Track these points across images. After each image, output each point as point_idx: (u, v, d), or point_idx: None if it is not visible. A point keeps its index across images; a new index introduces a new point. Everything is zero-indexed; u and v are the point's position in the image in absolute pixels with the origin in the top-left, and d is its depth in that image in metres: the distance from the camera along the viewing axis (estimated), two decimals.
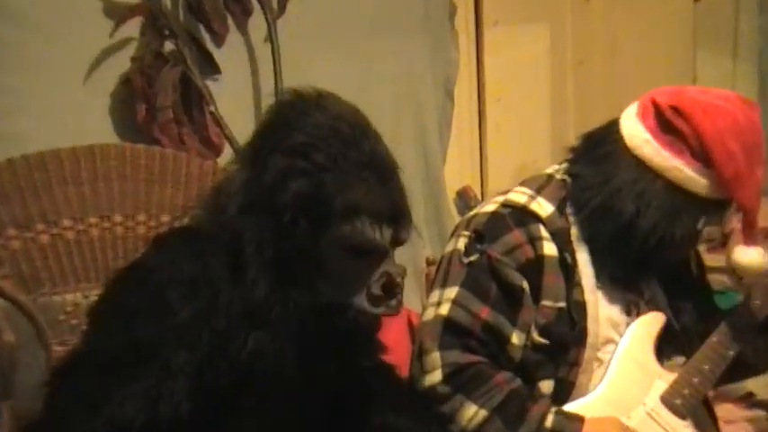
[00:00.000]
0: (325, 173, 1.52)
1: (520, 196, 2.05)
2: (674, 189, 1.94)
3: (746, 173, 1.92)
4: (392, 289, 1.57)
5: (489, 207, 2.07)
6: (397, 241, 1.62)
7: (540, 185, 2.08)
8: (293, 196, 1.51)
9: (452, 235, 2.10)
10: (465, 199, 3.82)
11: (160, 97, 2.73)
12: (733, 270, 2.13)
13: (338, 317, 1.56)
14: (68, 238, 2.08)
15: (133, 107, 2.74)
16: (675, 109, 1.96)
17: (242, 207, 1.54)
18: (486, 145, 4.22)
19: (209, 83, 2.85)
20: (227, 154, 2.69)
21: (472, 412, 1.92)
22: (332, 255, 1.54)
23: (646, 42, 4.80)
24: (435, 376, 1.94)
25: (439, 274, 2.06)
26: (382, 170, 1.61)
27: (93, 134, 2.42)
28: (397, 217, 1.60)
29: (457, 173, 4.04)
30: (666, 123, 1.96)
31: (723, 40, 4.67)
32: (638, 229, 1.94)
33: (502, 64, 4.30)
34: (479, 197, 3.84)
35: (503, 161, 4.23)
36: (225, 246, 1.53)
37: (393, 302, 1.59)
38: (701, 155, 1.92)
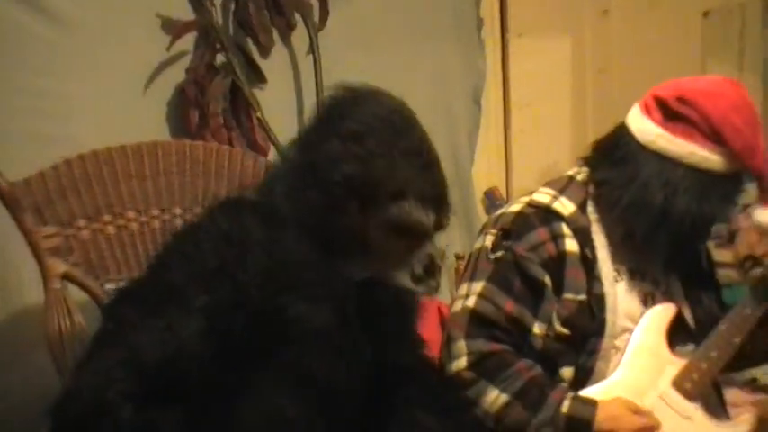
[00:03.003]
0: (376, 158, 1.52)
1: (544, 197, 2.05)
2: (696, 171, 1.94)
3: (753, 142, 1.94)
4: (433, 270, 1.58)
5: (515, 207, 2.07)
6: (440, 226, 1.61)
7: (562, 187, 2.08)
8: (345, 177, 1.51)
9: (480, 233, 2.10)
10: (492, 199, 3.82)
11: (212, 105, 2.75)
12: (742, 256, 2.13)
13: (381, 291, 1.56)
14: (132, 229, 2.08)
15: (187, 114, 2.76)
16: (680, 99, 1.97)
17: (292, 183, 1.56)
18: (511, 148, 4.21)
19: (256, 91, 2.86)
20: (272, 157, 2.71)
21: (494, 396, 1.92)
22: (379, 234, 1.54)
23: (659, 52, 4.78)
24: (461, 363, 1.95)
25: (467, 270, 2.06)
26: (428, 159, 1.60)
27: (150, 140, 2.44)
28: (440, 202, 1.59)
29: (484, 174, 4.03)
30: (674, 114, 1.97)
31: (730, 52, 4.63)
32: (673, 215, 1.94)
33: (526, 73, 4.29)
34: (505, 197, 3.84)
35: (527, 163, 4.22)
36: (267, 212, 1.54)
37: (434, 283, 1.59)
38: (712, 135, 1.93)
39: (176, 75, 2.80)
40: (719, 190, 1.96)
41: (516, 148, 4.22)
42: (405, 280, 1.57)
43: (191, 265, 1.51)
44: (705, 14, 4.61)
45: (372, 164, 1.51)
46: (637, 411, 1.92)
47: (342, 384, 1.52)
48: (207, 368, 1.44)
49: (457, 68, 3.85)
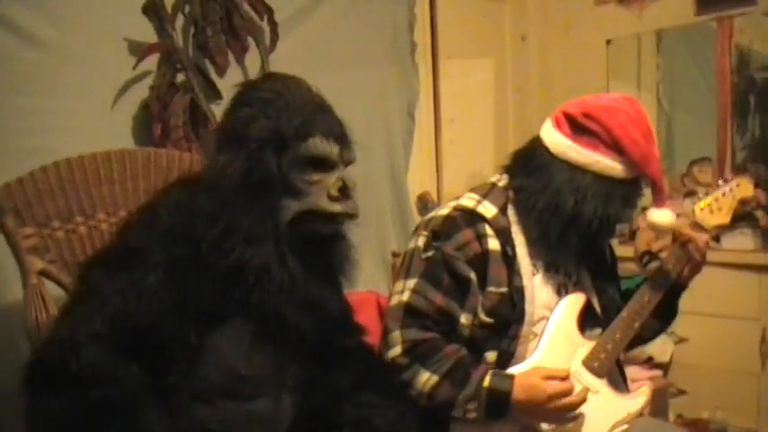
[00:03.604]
0: (280, 112, 1.57)
1: (469, 201, 2.05)
2: (601, 178, 1.95)
3: (648, 152, 1.95)
4: (347, 191, 1.59)
5: (444, 211, 2.06)
6: (345, 158, 1.63)
7: (486, 192, 2.07)
8: (258, 133, 1.55)
9: (414, 234, 2.09)
10: (424, 202, 3.84)
11: (173, 119, 2.73)
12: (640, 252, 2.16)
13: (309, 222, 1.57)
14: (102, 229, 2.06)
15: (151, 127, 2.74)
16: (585, 114, 1.97)
17: (219, 151, 1.59)
18: (441, 158, 4.23)
19: (213, 107, 2.84)
20: None
21: (426, 378, 1.91)
22: (296, 171, 1.56)
23: (570, 74, 4.84)
24: (397, 350, 1.93)
25: (402, 268, 2.05)
26: (325, 106, 1.65)
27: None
28: (342, 138, 1.63)
29: (417, 180, 4.04)
30: (581, 127, 1.97)
31: (629, 75, 4.70)
32: (582, 217, 1.94)
33: (454, 91, 4.31)
34: (436, 201, 3.86)
35: (455, 171, 4.24)
36: (207, 181, 1.59)
37: (350, 203, 1.60)
38: (614, 146, 1.94)
39: (141, 92, 2.79)
40: (622, 194, 1.98)
41: (446, 157, 4.24)
42: (323, 202, 1.57)
43: (149, 230, 1.57)
44: (608, 42, 4.68)
45: (278, 117, 1.56)
46: (550, 377, 1.90)
47: (289, 317, 1.56)
48: (168, 320, 1.48)
49: (393, 87, 3.87)
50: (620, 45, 4.67)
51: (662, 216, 2.01)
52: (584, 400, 1.92)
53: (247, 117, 1.58)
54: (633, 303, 2.06)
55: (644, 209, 2.28)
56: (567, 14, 4.83)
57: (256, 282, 1.51)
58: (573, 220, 1.95)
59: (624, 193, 1.98)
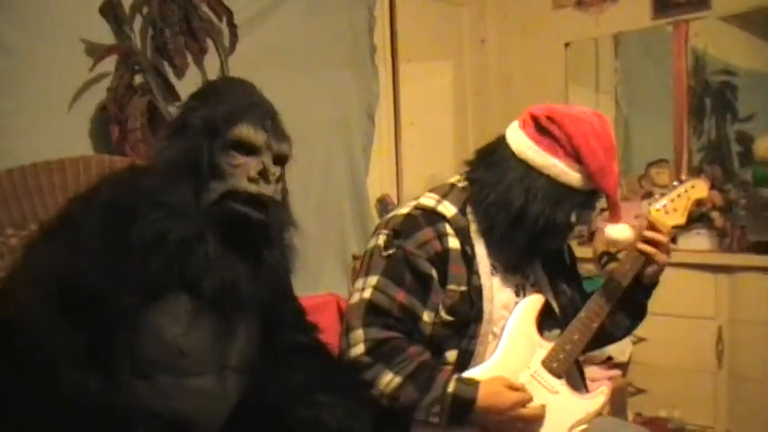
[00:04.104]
0: (216, 104, 1.67)
1: (429, 200, 2.06)
2: (554, 182, 1.96)
3: (607, 166, 1.96)
4: (266, 175, 1.63)
5: (404, 210, 2.07)
6: (273, 148, 1.68)
7: (445, 192, 2.09)
8: (195, 122, 1.66)
9: (374, 233, 2.09)
10: (384, 204, 3.84)
11: (131, 121, 2.70)
12: (599, 253, 2.18)
13: (229, 203, 1.61)
14: None
15: (108, 129, 2.71)
16: (550, 118, 1.99)
17: (166, 140, 1.71)
18: (401, 160, 4.23)
19: (172, 109, 2.81)
20: None
21: (389, 379, 1.91)
22: (222, 155, 1.63)
23: (529, 77, 4.87)
24: (359, 349, 1.93)
25: (363, 266, 2.05)
26: (258, 100, 1.73)
27: (75, 152, 2.38)
28: (272, 129, 1.69)
29: (377, 182, 4.04)
30: (543, 130, 1.99)
31: (587, 77, 4.74)
32: (528, 217, 1.95)
33: (414, 94, 4.32)
34: (396, 202, 3.86)
35: (415, 173, 4.24)
36: (150, 165, 1.71)
37: (268, 187, 1.63)
38: (572, 153, 1.95)
39: (99, 94, 2.75)
40: (573, 202, 1.99)
41: (406, 159, 4.25)
42: (241, 182, 1.62)
43: (88, 202, 1.64)
44: (567, 45, 4.72)
45: (214, 108, 1.66)
46: (512, 387, 1.94)
47: (205, 294, 1.59)
48: (105, 290, 1.52)
49: (353, 90, 3.86)
50: (579, 48, 4.72)
51: (619, 231, 2.04)
52: (541, 415, 1.96)
53: (189, 108, 1.71)
54: (591, 304, 2.08)
55: (603, 210, 2.30)
56: (526, 18, 4.87)
57: (176, 255, 1.56)
58: (519, 218, 1.97)
59: (576, 202, 2.00)
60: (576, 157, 1.96)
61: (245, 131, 1.64)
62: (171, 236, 1.55)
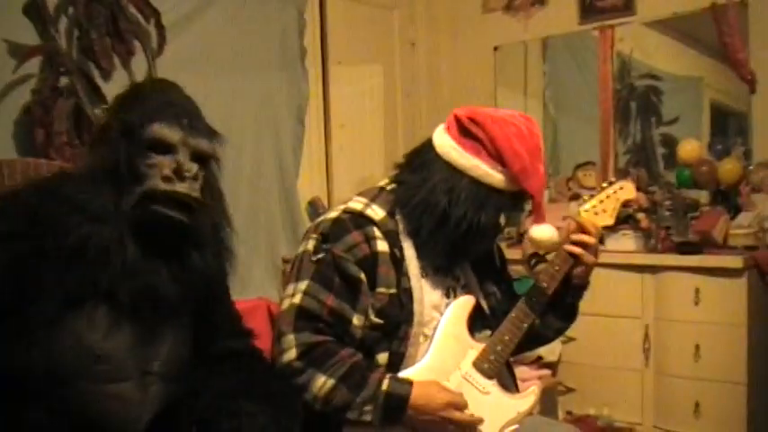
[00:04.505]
0: (135, 105, 1.65)
1: (357, 204, 2.05)
2: (478, 184, 1.97)
3: (531, 168, 1.97)
4: (181, 173, 1.60)
5: (333, 214, 2.06)
6: (190, 145, 1.64)
7: (374, 196, 2.08)
8: (114, 125, 1.63)
9: (303, 238, 2.08)
10: (315, 207, 3.83)
11: (56, 124, 2.66)
12: (528, 254, 2.19)
13: (148, 205, 1.58)
14: None
15: (33, 132, 2.65)
16: (472, 120, 2.00)
17: (93, 144, 1.71)
18: (331, 162, 4.23)
19: (98, 112, 2.77)
20: None
21: (321, 382, 1.90)
22: (138, 157, 1.60)
23: (458, 80, 4.91)
24: (291, 354, 1.92)
25: (293, 271, 2.03)
26: (174, 99, 1.70)
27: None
28: (189, 127, 1.65)
29: (308, 186, 4.03)
30: (467, 131, 2.00)
31: (516, 80, 4.80)
32: (451, 218, 1.96)
33: (344, 96, 4.32)
34: (327, 206, 3.85)
35: (346, 176, 4.24)
36: (73, 170, 1.70)
37: (185, 185, 1.60)
38: (495, 155, 1.97)
39: (23, 96, 2.70)
40: (497, 203, 2.00)
41: (336, 162, 4.24)
42: (155, 182, 1.59)
43: (7, 208, 1.60)
44: (495, 49, 4.77)
45: (132, 109, 1.64)
46: (445, 389, 1.95)
47: (122, 299, 1.56)
48: (21, 296, 1.50)
49: (283, 92, 3.85)
50: (507, 52, 4.77)
51: (542, 232, 2.06)
52: (473, 423, 1.97)
53: (112, 112, 1.68)
54: (521, 305, 2.10)
55: (531, 211, 2.32)
56: (455, 21, 4.91)
57: (96, 261, 1.53)
58: (443, 219, 1.98)
59: (501, 204, 2.01)
60: (498, 158, 1.97)
61: (159, 130, 1.61)
62: (90, 242, 1.52)
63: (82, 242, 1.52)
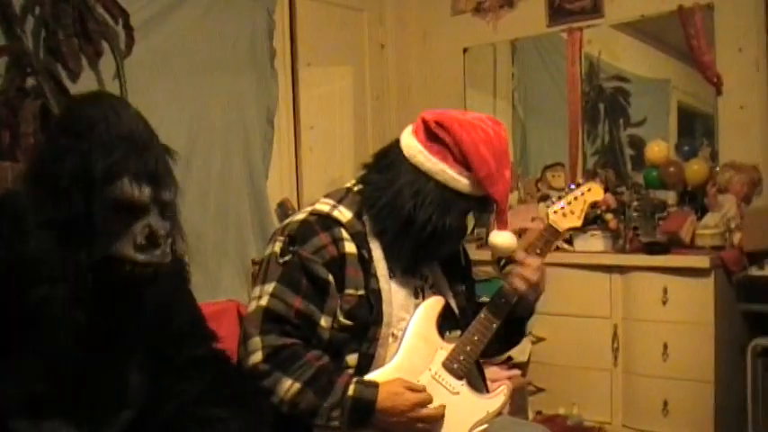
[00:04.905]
0: (93, 149, 1.47)
1: (324, 206, 2.05)
2: (443, 188, 1.97)
3: (497, 174, 1.98)
4: (155, 239, 1.50)
5: (300, 216, 2.05)
6: (160, 200, 1.54)
7: (341, 197, 2.08)
8: (66, 170, 1.47)
9: (270, 240, 2.07)
10: (284, 209, 3.82)
11: (23, 125, 2.63)
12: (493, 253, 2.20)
13: (114, 268, 1.48)
14: None
15: None
16: (439, 123, 2.00)
17: (29, 182, 1.52)
18: (301, 164, 4.23)
19: None
20: None
21: (288, 385, 1.89)
22: (102, 214, 1.46)
23: (427, 82, 4.92)
24: (257, 357, 1.91)
25: (260, 273, 2.03)
26: (141, 143, 1.53)
27: None
28: (157, 177, 1.53)
29: (277, 187, 4.02)
30: (433, 135, 2.00)
31: (485, 82, 4.82)
32: (417, 221, 1.96)
33: (314, 98, 4.32)
34: (296, 207, 3.85)
35: (315, 177, 4.24)
36: (11, 210, 1.49)
37: (157, 252, 1.51)
38: (461, 159, 1.97)
39: None
40: (462, 207, 2.01)
41: (306, 163, 4.25)
42: (127, 250, 1.48)
43: None
44: (465, 51, 4.79)
45: (88, 155, 1.47)
46: (412, 388, 1.95)
47: (85, 359, 1.49)
48: None
49: (252, 93, 3.85)
50: (477, 54, 4.79)
51: (502, 239, 2.06)
52: (441, 416, 1.97)
53: (58, 151, 1.50)
54: (490, 305, 2.10)
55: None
56: (425, 23, 4.92)
57: (48, 323, 1.45)
58: (408, 222, 1.98)
59: (466, 208, 2.02)
60: (464, 163, 1.97)
61: (127, 190, 1.48)
62: (49, 305, 1.43)
63: (36, 305, 1.43)
